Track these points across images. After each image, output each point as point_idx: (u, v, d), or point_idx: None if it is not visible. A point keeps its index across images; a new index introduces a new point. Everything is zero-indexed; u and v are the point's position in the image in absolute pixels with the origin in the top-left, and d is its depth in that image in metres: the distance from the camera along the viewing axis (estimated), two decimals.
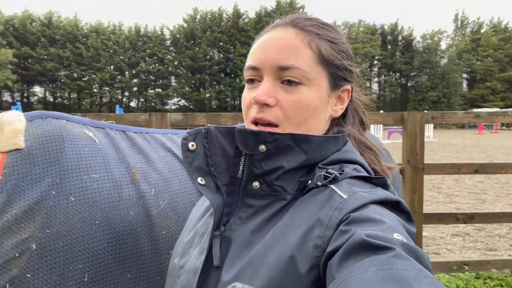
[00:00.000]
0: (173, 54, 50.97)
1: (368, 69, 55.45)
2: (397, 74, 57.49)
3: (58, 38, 47.70)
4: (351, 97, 0.79)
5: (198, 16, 51.37)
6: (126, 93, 52.57)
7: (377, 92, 57.49)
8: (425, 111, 3.20)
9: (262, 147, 0.66)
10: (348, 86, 0.77)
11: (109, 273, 0.93)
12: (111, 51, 49.00)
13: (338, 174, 0.65)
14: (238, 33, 50.62)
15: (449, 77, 51.89)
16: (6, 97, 48.59)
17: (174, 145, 1.18)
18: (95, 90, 50.33)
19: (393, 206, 0.62)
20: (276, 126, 0.69)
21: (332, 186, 0.64)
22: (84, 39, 48.73)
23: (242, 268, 0.60)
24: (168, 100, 52.08)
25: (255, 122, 0.70)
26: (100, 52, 48.01)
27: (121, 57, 49.40)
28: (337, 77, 0.74)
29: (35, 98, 50.43)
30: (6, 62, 41.66)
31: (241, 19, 52.26)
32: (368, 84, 55.56)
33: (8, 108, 38.15)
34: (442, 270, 3.08)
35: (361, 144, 0.81)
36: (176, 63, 50.81)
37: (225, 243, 0.66)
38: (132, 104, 53.09)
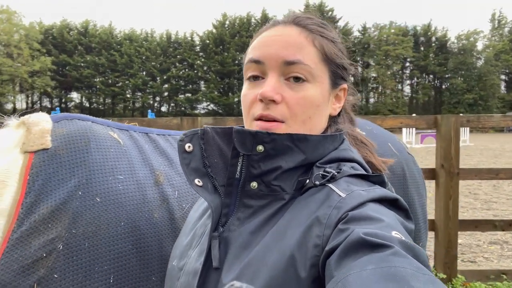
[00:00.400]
0: (203, 60, 51.77)
1: (400, 71, 54.13)
2: (431, 76, 55.71)
3: (94, 46, 49.65)
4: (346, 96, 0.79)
5: (227, 22, 52.02)
6: (158, 98, 53.88)
7: (409, 94, 55.98)
8: (460, 114, 3.10)
9: (260, 148, 0.65)
10: (345, 85, 0.77)
11: (134, 275, 0.93)
12: (144, 57, 50.43)
13: (335, 173, 0.65)
14: None
15: (486, 79, 49.72)
16: (46, 102, 51.01)
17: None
18: (128, 96, 51.88)
19: (391, 203, 0.62)
20: (282, 122, 0.68)
21: (330, 185, 0.63)
22: (118, 47, 50.45)
23: (242, 269, 0.60)
24: (198, 104, 52.90)
25: (260, 119, 0.69)
26: (133, 59, 49.52)
27: (152, 63, 50.72)
28: (337, 75, 0.74)
29: (72, 103, 52.63)
30: (46, 70, 43.76)
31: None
32: (399, 87, 54.23)
33: (48, 113, 39.70)
34: (479, 279, 2.96)
35: (356, 140, 0.82)
36: (205, 68, 51.57)
37: (224, 244, 0.66)
38: (163, 108, 54.32)
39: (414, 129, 19.82)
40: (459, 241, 4.41)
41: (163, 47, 51.70)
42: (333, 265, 0.50)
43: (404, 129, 20.81)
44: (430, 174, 2.99)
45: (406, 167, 1.23)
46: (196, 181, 0.70)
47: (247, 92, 0.72)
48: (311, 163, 0.68)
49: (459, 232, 4.63)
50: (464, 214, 5.54)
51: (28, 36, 42.97)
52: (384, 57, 50.98)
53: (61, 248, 0.85)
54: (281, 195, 0.66)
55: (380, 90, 53.78)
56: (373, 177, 0.67)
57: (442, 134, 2.90)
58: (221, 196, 0.70)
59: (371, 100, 55.08)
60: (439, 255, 2.94)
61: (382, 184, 0.68)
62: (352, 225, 0.53)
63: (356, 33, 54.98)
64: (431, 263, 3.19)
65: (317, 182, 0.64)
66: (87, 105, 52.79)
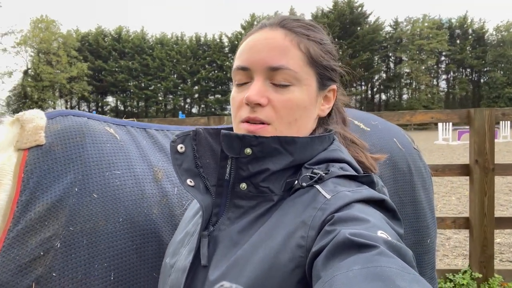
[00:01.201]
0: (232, 61, 52.16)
1: (435, 66, 52.25)
2: (468, 70, 53.38)
3: (127, 51, 51.32)
4: (336, 96, 0.79)
5: (255, 22, 52.18)
6: (188, 100, 54.94)
7: (445, 90, 53.92)
8: (496, 108, 2.97)
9: (248, 151, 0.66)
10: (334, 86, 0.77)
11: (135, 272, 0.91)
12: (174, 60, 51.61)
13: (323, 174, 0.65)
14: None
15: None
16: (83, 107, 53.26)
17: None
18: (160, 98, 53.22)
19: (378, 204, 0.62)
20: (268, 124, 0.69)
21: (317, 186, 0.64)
22: (150, 51, 51.89)
23: (228, 268, 0.61)
24: (227, 105, 53.41)
25: (246, 121, 0.70)
26: (164, 62, 50.79)
27: (183, 66, 51.81)
28: (325, 77, 0.74)
29: (108, 107, 54.68)
30: (83, 75, 45.68)
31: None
32: (435, 82, 52.36)
33: None
34: None
35: (346, 140, 0.82)
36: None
37: (213, 243, 0.67)
38: (194, 110, 55.30)
39: (451, 125, 19.09)
40: (498, 240, 4.22)
41: (193, 49, 52.66)
42: (320, 266, 0.50)
43: (440, 126, 20.07)
44: (464, 170, 2.88)
45: (411, 162, 1.20)
46: (188, 181, 0.71)
47: (235, 96, 0.73)
48: (300, 164, 0.69)
49: (498, 231, 4.43)
50: (503, 212, 5.29)
51: (66, 44, 45.00)
52: (417, 52, 49.36)
53: (58, 246, 0.84)
54: (270, 196, 0.67)
55: (414, 86, 52.11)
56: (362, 178, 0.68)
57: (475, 128, 2.80)
58: (213, 196, 0.71)
59: (405, 97, 53.53)
60: (474, 253, 2.84)
61: (371, 184, 0.68)
62: (339, 227, 0.54)
63: (388, 28, 53.62)
64: (466, 262, 3.08)
65: (304, 184, 0.65)
66: (122, 108, 54.65)
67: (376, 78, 54.20)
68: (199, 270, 0.66)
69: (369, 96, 55.05)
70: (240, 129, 0.71)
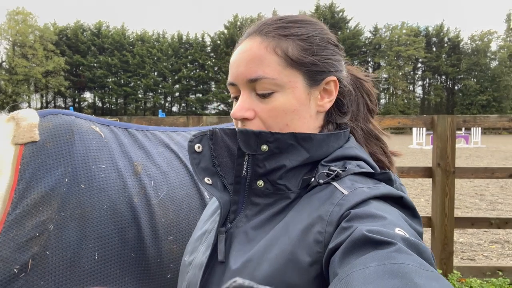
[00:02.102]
0: (213, 60, 52.17)
1: (412, 72, 53.67)
2: (443, 77, 55.13)
3: (107, 46, 50.42)
4: (341, 87, 0.75)
5: (238, 23, 52.25)
6: (169, 98, 54.46)
7: (421, 96, 55.46)
8: (458, 115, 3.19)
9: (264, 147, 0.67)
10: (332, 77, 0.72)
11: (116, 253, 1.03)
12: (155, 58, 51.00)
13: (340, 171, 0.65)
14: None
15: (500, 80, 49.01)
16: (60, 102, 51.95)
17: (172, 142, 1.29)
18: (140, 96, 52.52)
19: (396, 201, 0.62)
20: None
21: (334, 183, 0.64)
22: (131, 47, 51.14)
23: (245, 263, 0.62)
24: (208, 104, 53.33)
25: None
26: (145, 59, 50.14)
27: (164, 63, 51.28)
28: (314, 73, 0.71)
29: (86, 103, 53.51)
30: (59, 70, 44.61)
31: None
32: (411, 88, 53.75)
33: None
34: (475, 275, 3.04)
35: (369, 135, 0.80)
36: (216, 68, 51.94)
37: (231, 240, 0.68)
38: (174, 108, 54.85)
39: (424, 130, 19.72)
40: (460, 239, 4.48)
41: (175, 48, 52.22)
42: (337, 262, 0.50)
43: (414, 130, 20.70)
44: (427, 172, 3.08)
45: None
46: (206, 179, 0.72)
47: (232, 110, 0.74)
48: (316, 161, 0.69)
49: (461, 231, 4.69)
50: (468, 214, 5.57)
51: (42, 37, 43.86)
52: (395, 58, 50.66)
53: (52, 228, 0.95)
54: (287, 193, 0.67)
55: (391, 91, 53.40)
56: (379, 175, 0.67)
57: (438, 133, 2.99)
58: (230, 193, 0.72)
59: (382, 101, 54.71)
60: (435, 251, 3.03)
61: (389, 181, 0.67)
62: (355, 223, 0.54)
63: (367, 34, 54.75)
64: None
65: (321, 181, 0.65)
66: (100, 105, 53.64)
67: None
68: (216, 266, 0.67)
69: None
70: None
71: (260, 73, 0.69)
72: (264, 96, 0.69)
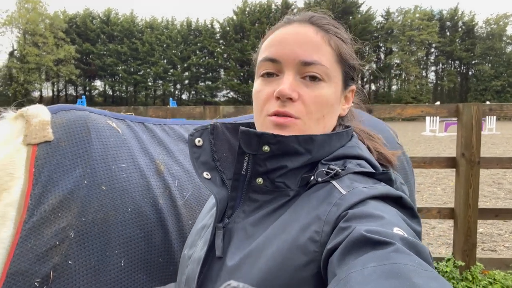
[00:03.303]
0: (223, 47, 51.77)
1: (424, 57, 52.63)
2: (457, 62, 53.93)
3: (116, 34, 50.31)
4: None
5: (247, 9, 51.63)
6: (178, 86, 54.41)
7: (434, 81, 54.45)
8: (487, 103, 3.07)
9: (266, 148, 0.66)
10: (353, 86, 0.78)
11: (143, 258, 0.96)
12: (164, 45, 50.83)
13: (339, 170, 0.65)
14: None
15: None
16: (71, 90, 52.35)
17: None
18: (149, 84, 52.53)
19: (395, 201, 0.62)
20: (298, 119, 0.68)
21: (333, 182, 0.64)
22: (140, 35, 50.96)
23: (242, 259, 0.62)
24: (218, 92, 53.15)
25: (275, 115, 0.69)
26: (154, 47, 50.00)
27: (173, 51, 51.10)
28: (349, 76, 0.75)
29: (96, 91, 53.83)
30: (70, 58, 44.76)
31: (290, 9, 51.65)
32: (424, 73, 52.78)
33: (74, 102, 41.37)
34: (498, 267, 2.97)
35: (364, 133, 0.82)
36: (225, 56, 51.58)
37: (228, 235, 0.68)
38: (184, 96, 54.84)
39: (438, 117, 19.40)
40: (480, 230, 4.39)
41: (184, 35, 51.91)
42: (335, 263, 0.50)
43: (427, 117, 20.38)
44: (451, 162, 2.99)
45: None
46: (205, 174, 0.72)
47: (261, 88, 0.72)
48: (317, 161, 0.69)
49: (480, 221, 4.60)
50: (486, 203, 5.47)
51: (52, 25, 43.92)
52: (408, 43, 49.61)
53: (73, 235, 0.88)
54: (286, 191, 0.67)
55: (403, 77, 52.52)
56: (379, 175, 0.67)
57: (463, 122, 2.89)
58: (228, 189, 0.71)
59: (394, 87, 53.93)
60: (458, 243, 2.96)
61: (389, 181, 0.67)
62: (354, 223, 0.54)
63: (379, 18, 53.66)
64: (450, 250, 3.21)
65: (320, 179, 0.65)
66: (110, 93, 53.88)
67: (366, 68, 54.32)
68: (214, 261, 0.67)
69: (360, 86, 55.19)
70: (266, 122, 0.70)
71: (316, 58, 0.68)
72: (313, 79, 0.68)
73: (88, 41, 49.14)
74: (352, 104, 0.87)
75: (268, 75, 0.71)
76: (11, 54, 42.70)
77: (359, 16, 50.01)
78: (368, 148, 0.78)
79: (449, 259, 2.96)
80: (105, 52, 50.05)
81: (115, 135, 1.06)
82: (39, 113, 0.99)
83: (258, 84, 0.73)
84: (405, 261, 0.44)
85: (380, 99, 50.48)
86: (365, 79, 54.87)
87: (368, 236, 0.49)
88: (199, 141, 0.74)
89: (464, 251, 2.94)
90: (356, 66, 0.76)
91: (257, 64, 0.74)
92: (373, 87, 55.97)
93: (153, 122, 1.20)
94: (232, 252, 0.65)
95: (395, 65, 52.01)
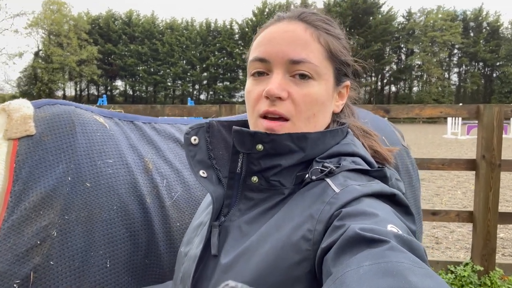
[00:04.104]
0: (241, 48, 51.97)
1: (447, 59, 51.47)
2: (481, 63, 52.52)
3: (137, 35, 51.23)
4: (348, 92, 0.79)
5: (267, 10, 51.66)
6: (197, 86, 54.93)
7: (457, 83, 53.17)
8: (507, 104, 2.99)
9: (260, 147, 0.66)
10: (348, 82, 0.77)
11: (130, 259, 0.92)
12: (184, 46, 51.44)
13: (334, 168, 0.64)
14: None
15: None
16: (93, 90, 53.55)
17: (182, 136, 1.16)
18: (169, 84, 53.28)
19: (389, 199, 0.62)
20: (287, 120, 0.68)
21: (327, 180, 0.63)
22: (160, 36, 51.78)
23: (236, 257, 0.62)
24: (236, 92, 53.37)
25: (265, 116, 0.69)
26: (174, 48, 50.67)
27: (192, 52, 51.65)
28: (341, 72, 0.74)
29: (117, 91, 54.88)
30: (92, 58, 45.80)
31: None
32: (446, 75, 51.63)
33: (95, 101, 42.32)
34: None
35: (360, 130, 0.81)
36: (243, 56, 51.68)
37: (224, 233, 0.68)
38: (202, 96, 55.30)
39: (460, 119, 18.93)
40: (501, 235, 4.27)
41: (203, 35, 52.40)
42: (330, 262, 0.50)
43: (449, 120, 19.90)
44: (471, 165, 2.92)
45: (399, 160, 1.20)
46: (201, 172, 0.72)
47: (252, 88, 0.71)
48: (312, 158, 0.69)
49: (501, 226, 4.47)
50: (508, 208, 5.31)
51: (76, 26, 45.06)
52: (430, 44, 48.64)
53: (55, 234, 0.84)
54: (281, 189, 0.67)
55: (425, 79, 51.49)
56: (374, 172, 0.67)
57: (484, 124, 2.82)
58: (224, 187, 0.71)
59: (415, 89, 52.95)
60: (476, 247, 2.89)
61: (383, 179, 0.67)
62: (348, 221, 0.53)
63: (401, 19, 52.80)
64: (468, 255, 3.13)
65: (314, 177, 0.64)
66: (131, 92, 54.85)
67: (386, 69, 53.63)
68: (209, 259, 0.67)
69: (379, 87, 54.56)
70: (258, 125, 0.69)
71: (304, 56, 0.67)
72: (303, 78, 0.68)
73: (110, 42, 50.23)
74: (355, 103, 0.86)
75: (259, 74, 0.71)
76: (36, 54, 44.02)
77: (380, 16, 49.35)
78: (363, 146, 0.77)
79: (467, 264, 2.89)
80: (126, 53, 51.03)
81: (102, 130, 1.01)
82: (22, 107, 0.95)
83: (249, 84, 0.73)
84: (400, 259, 0.44)
85: (400, 100, 49.68)
86: (385, 80, 54.17)
87: (363, 234, 0.48)
88: (194, 139, 0.74)
89: (483, 256, 2.87)
90: (348, 62, 0.75)
91: (248, 63, 0.74)
92: (393, 88, 55.12)
93: (142, 120, 1.16)
94: (226, 250, 0.65)
95: (417, 66, 51.07)
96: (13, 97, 41.59)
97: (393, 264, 0.43)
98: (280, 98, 0.67)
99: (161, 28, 53.18)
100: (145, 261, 0.95)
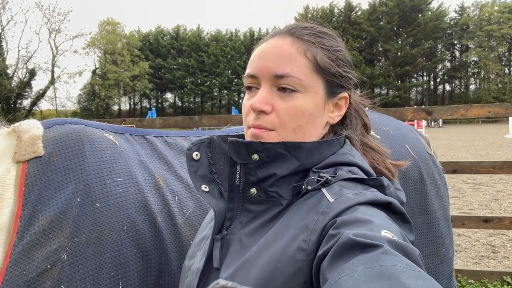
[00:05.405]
0: None
1: (506, 53, 47.90)
2: None
3: (185, 48, 53.31)
4: (350, 103, 0.79)
5: (309, 15, 51.40)
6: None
7: None
8: None
9: (255, 156, 0.68)
10: (345, 94, 0.77)
11: (142, 280, 0.91)
12: (229, 56, 52.64)
13: (330, 177, 0.65)
14: (350, 27, 49.02)
15: None
16: (145, 103, 56.29)
17: None
18: (215, 94, 54.66)
19: (385, 207, 0.62)
20: (272, 130, 0.70)
21: (323, 190, 0.65)
22: (206, 48, 53.42)
23: (236, 269, 0.63)
24: None
25: (253, 127, 0.71)
26: (219, 58, 52.03)
27: (237, 61, 52.67)
28: (334, 84, 0.74)
29: (167, 103, 57.24)
30: (144, 73, 48.22)
31: (353, 12, 50.54)
32: (506, 71, 48.03)
33: (146, 114, 44.40)
34: None
35: (365, 146, 0.81)
36: None
37: (226, 246, 0.69)
38: None
39: None
40: None
41: (247, 45, 53.27)
42: (326, 268, 0.51)
43: (511, 119, 18.40)
44: None
45: (424, 170, 1.14)
46: (203, 187, 0.73)
47: (245, 102, 0.75)
48: (308, 169, 0.70)
49: None
50: None
51: (129, 44, 47.73)
52: (486, 38, 45.56)
53: (65, 258, 0.83)
54: (279, 200, 0.68)
55: (482, 75, 48.27)
56: (370, 181, 0.68)
57: None
58: (226, 201, 0.73)
59: (472, 87, 49.79)
60: None
61: (380, 187, 0.68)
62: (343, 229, 0.54)
63: (453, 14, 50.10)
64: None
65: (310, 187, 0.66)
66: (180, 104, 56.96)
67: (439, 67, 50.99)
68: (212, 272, 0.69)
69: (431, 87, 51.96)
70: (248, 134, 0.73)
71: (288, 71, 0.69)
72: (285, 91, 0.70)
73: (160, 57, 52.66)
74: (367, 108, 0.84)
75: (250, 88, 0.75)
76: (93, 72, 47.12)
77: (430, 13, 47.17)
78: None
79: None
80: (174, 66, 53.21)
81: (112, 147, 1.00)
82: (31, 128, 0.95)
83: (244, 98, 0.77)
84: (393, 262, 0.45)
85: (456, 100, 46.94)
86: (438, 79, 51.51)
87: (356, 239, 0.49)
88: (196, 155, 0.76)
89: None
90: (342, 73, 0.75)
91: (243, 79, 0.77)
92: (447, 87, 52.27)
93: (154, 134, 1.15)
94: (227, 263, 0.66)
95: (473, 62, 48.05)
96: (74, 113, 44.91)
97: (387, 267, 0.44)
98: (264, 112, 0.70)
99: (207, 40, 54.87)
100: (158, 281, 0.94)
